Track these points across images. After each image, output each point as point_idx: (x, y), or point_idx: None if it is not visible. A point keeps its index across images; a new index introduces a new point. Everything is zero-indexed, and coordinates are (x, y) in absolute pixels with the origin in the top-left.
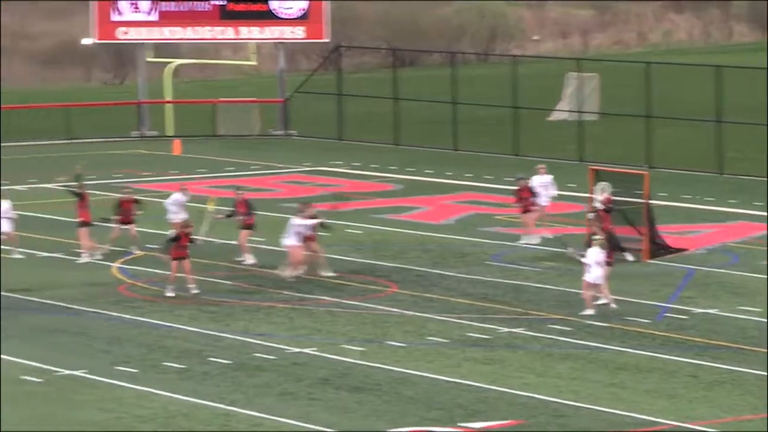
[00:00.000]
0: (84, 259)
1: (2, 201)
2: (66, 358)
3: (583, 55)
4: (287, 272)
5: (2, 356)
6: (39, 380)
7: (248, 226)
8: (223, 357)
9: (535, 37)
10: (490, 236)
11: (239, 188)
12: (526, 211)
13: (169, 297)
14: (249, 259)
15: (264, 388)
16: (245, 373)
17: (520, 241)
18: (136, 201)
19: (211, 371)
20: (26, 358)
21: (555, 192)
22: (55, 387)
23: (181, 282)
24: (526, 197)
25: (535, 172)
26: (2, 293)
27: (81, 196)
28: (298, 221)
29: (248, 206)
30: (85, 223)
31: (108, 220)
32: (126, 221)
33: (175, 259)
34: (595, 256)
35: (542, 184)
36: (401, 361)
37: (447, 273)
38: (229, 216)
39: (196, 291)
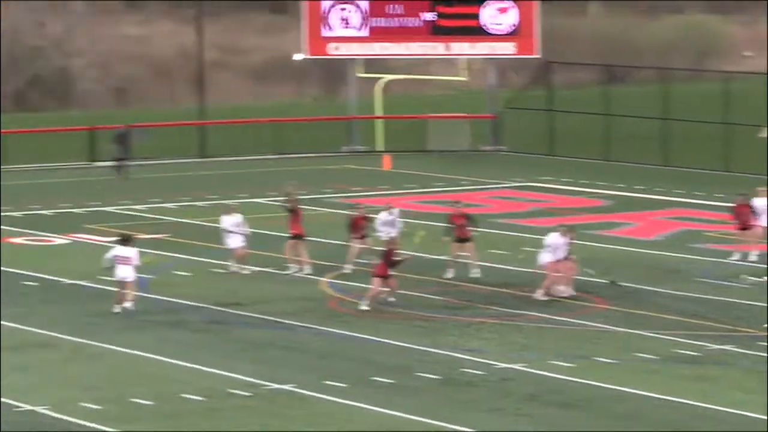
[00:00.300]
0: (292, 270)
1: (230, 216)
2: (275, 373)
3: None
4: (540, 293)
5: (212, 370)
6: (248, 394)
7: (463, 239)
8: (432, 372)
9: (747, 53)
10: (701, 252)
11: (456, 203)
12: (743, 228)
13: (364, 310)
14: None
15: (472, 404)
16: (454, 389)
17: (732, 258)
18: (366, 218)
19: (420, 386)
20: (235, 372)
21: None
22: (264, 401)
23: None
24: (744, 213)
25: (755, 193)
26: (211, 306)
27: (293, 211)
28: (555, 240)
29: (467, 219)
30: (296, 236)
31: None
32: (360, 236)
33: (378, 276)
34: None
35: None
36: (610, 377)
37: (657, 289)
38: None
39: (392, 299)
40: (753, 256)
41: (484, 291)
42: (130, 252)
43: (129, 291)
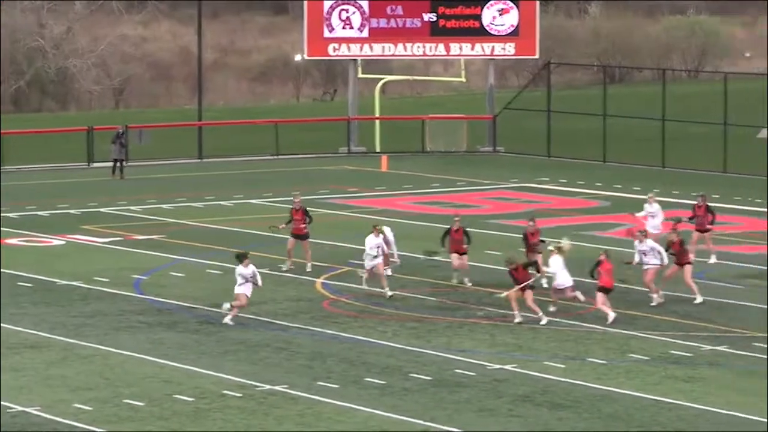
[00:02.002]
0: (286, 266)
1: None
2: (267, 373)
3: None
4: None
5: (204, 371)
6: (240, 395)
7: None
8: (424, 373)
9: (747, 54)
10: (697, 253)
11: (532, 219)
12: (701, 230)
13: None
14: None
15: (464, 405)
16: (446, 389)
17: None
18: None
19: (411, 387)
20: (228, 372)
21: None
22: (256, 402)
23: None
24: (701, 215)
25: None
26: (204, 307)
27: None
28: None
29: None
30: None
31: (276, 229)
32: (459, 252)
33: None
34: None
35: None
36: (602, 378)
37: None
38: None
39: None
40: (713, 259)
41: (477, 292)
42: (244, 270)
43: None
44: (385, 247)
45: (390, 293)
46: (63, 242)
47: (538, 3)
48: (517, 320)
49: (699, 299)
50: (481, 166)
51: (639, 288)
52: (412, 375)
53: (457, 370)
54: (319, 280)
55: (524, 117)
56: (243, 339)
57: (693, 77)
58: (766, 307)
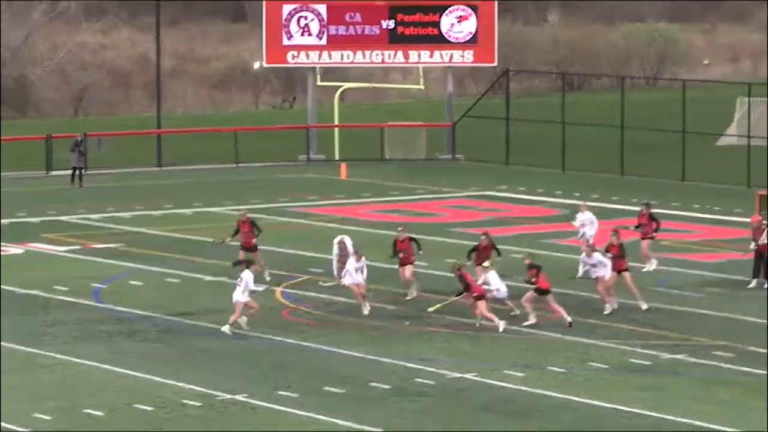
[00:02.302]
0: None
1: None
2: (227, 383)
3: (753, 79)
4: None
5: (164, 380)
6: (200, 404)
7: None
8: (384, 382)
9: (706, 62)
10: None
11: (485, 233)
12: (644, 237)
13: None
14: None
15: (424, 413)
16: (406, 398)
17: (645, 269)
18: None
19: (372, 396)
20: (188, 382)
21: None
22: (216, 411)
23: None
24: (645, 223)
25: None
26: (164, 316)
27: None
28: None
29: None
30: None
31: (222, 241)
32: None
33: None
34: None
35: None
36: (562, 387)
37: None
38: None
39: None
40: (652, 266)
41: (437, 300)
42: (246, 275)
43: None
44: (365, 269)
45: (367, 311)
46: (22, 251)
47: (496, 10)
48: (501, 329)
49: (644, 306)
50: (440, 174)
51: (597, 296)
52: (372, 384)
53: (417, 379)
54: (279, 289)
55: (483, 125)
56: (203, 348)
57: (652, 84)
58: (727, 315)
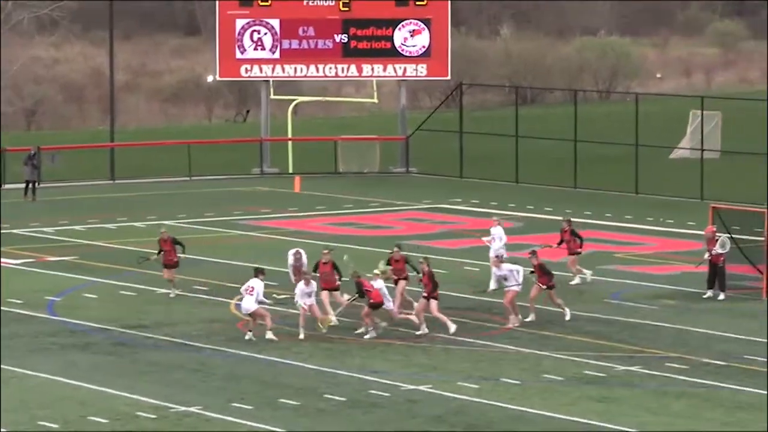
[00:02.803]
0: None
1: None
2: (182, 395)
3: (706, 93)
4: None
5: (118, 393)
6: (154, 416)
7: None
8: (338, 394)
9: (658, 75)
10: (609, 274)
11: (398, 245)
12: (570, 252)
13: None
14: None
15: (379, 425)
16: (360, 410)
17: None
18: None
19: (326, 408)
20: (142, 394)
21: None
22: (170, 423)
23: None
24: (568, 239)
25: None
26: (118, 329)
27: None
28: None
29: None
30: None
31: (148, 259)
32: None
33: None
34: None
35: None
36: (516, 398)
37: (564, 310)
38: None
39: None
40: (587, 278)
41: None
42: (256, 284)
43: (250, 321)
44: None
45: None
46: None
47: (449, 24)
48: (368, 336)
49: (568, 316)
50: (393, 187)
51: (550, 308)
52: (326, 396)
53: (372, 391)
54: (233, 302)
55: (437, 138)
56: (157, 360)
57: (604, 98)
58: (680, 327)
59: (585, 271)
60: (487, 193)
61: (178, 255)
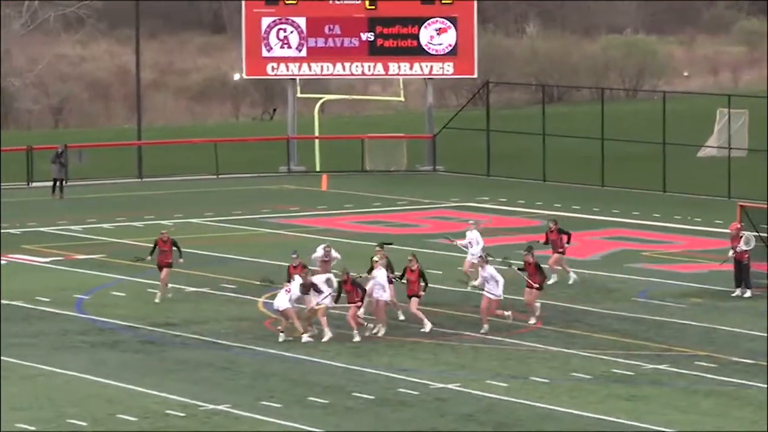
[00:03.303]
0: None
1: None
2: (210, 393)
3: (732, 91)
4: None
5: (147, 391)
6: (183, 415)
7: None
8: (367, 392)
9: (685, 73)
10: (637, 272)
11: (382, 245)
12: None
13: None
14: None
15: (408, 424)
16: (389, 409)
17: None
18: None
19: (355, 406)
20: (170, 392)
21: None
22: (199, 422)
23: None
24: (554, 240)
25: None
26: (146, 327)
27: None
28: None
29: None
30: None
31: (142, 260)
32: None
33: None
34: None
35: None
36: (544, 397)
37: (592, 309)
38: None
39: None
40: (570, 279)
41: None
42: (294, 286)
43: (282, 319)
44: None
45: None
46: (4, 262)
47: (476, 22)
48: (356, 339)
49: (532, 320)
50: (420, 186)
51: (578, 306)
52: (354, 394)
53: (400, 389)
54: (261, 300)
55: (463, 136)
56: (186, 359)
57: (631, 96)
58: (708, 325)
59: (572, 272)
60: (514, 191)
61: (178, 260)
